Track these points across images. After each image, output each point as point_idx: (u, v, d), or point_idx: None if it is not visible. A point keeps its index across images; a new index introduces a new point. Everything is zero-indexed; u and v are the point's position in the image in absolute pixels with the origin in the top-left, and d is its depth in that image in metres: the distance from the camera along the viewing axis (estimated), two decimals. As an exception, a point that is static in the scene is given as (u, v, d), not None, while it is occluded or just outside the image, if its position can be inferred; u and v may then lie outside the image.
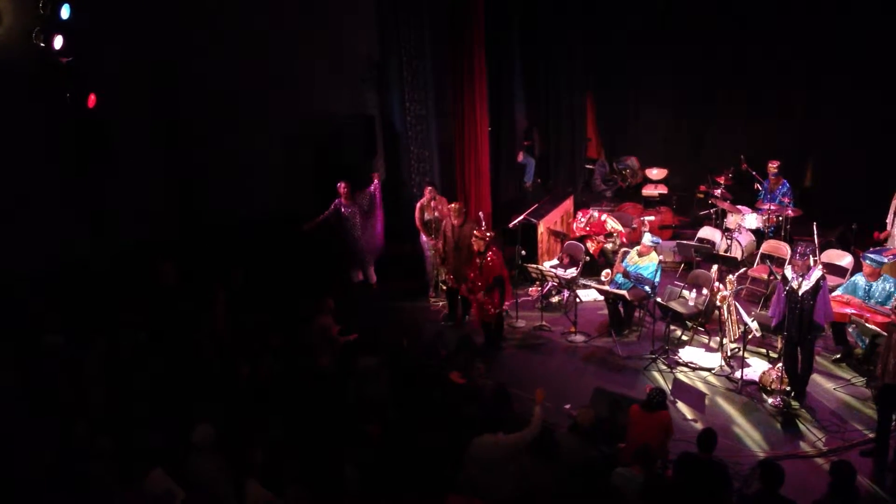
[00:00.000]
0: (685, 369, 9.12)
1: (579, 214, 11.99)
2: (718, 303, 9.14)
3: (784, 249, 10.56)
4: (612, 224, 11.53)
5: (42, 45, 8.09)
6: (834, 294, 8.79)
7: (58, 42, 8.16)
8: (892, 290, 8.49)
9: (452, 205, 10.16)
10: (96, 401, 7.28)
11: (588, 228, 11.62)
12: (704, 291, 9.67)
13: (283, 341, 8.66)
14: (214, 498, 5.90)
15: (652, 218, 12.56)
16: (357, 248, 11.21)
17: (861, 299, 8.65)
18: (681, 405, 8.32)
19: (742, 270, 10.53)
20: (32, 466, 6.28)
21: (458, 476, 5.86)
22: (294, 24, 11.07)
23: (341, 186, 10.93)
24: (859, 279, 8.84)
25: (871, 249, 9.38)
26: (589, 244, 11.48)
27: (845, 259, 10.30)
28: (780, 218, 11.25)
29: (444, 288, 10.68)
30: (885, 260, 8.83)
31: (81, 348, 7.61)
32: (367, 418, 7.04)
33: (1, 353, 7.44)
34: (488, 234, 9.51)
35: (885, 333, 7.44)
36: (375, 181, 11.18)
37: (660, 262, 9.75)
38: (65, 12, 8.18)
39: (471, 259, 9.67)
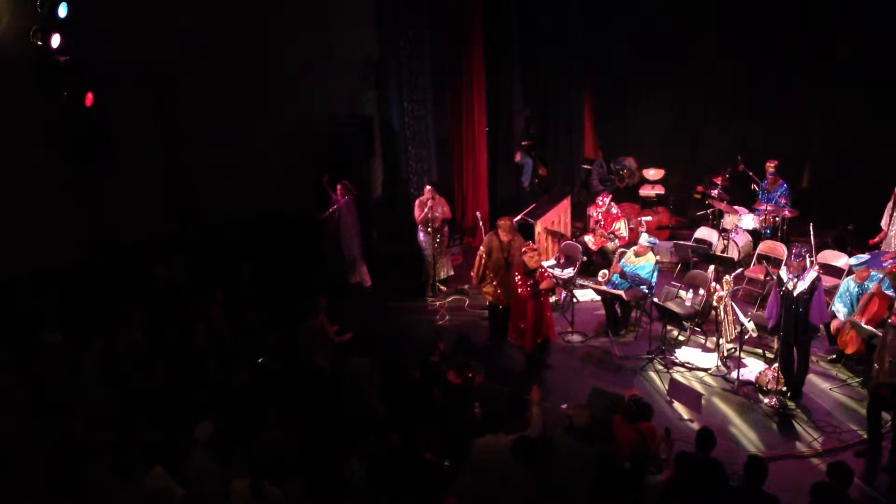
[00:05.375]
0: (682, 369, 9.14)
1: (601, 197, 11.67)
2: (715, 303, 9.17)
3: (780, 250, 10.58)
4: (621, 227, 11.47)
5: (39, 43, 8.09)
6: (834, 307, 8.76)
7: (55, 41, 8.16)
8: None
9: (501, 221, 9.61)
10: (94, 399, 7.28)
11: (601, 216, 11.47)
12: (701, 292, 9.69)
13: (280, 340, 8.66)
14: (212, 495, 5.91)
15: (649, 218, 12.58)
16: (343, 250, 11.23)
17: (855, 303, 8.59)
18: (677, 405, 8.34)
19: (739, 271, 10.54)
20: (31, 466, 6.28)
21: (456, 480, 5.82)
22: (292, 23, 11.06)
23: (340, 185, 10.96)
24: (850, 284, 8.75)
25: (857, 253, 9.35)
26: (591, 238, 11.48)
27: (841, 260, 10.28)
28: (777, 218, 11.27)
29: (489, 301, 9.96)
30: (865, 259, 8.82)
31: (79, 347, 7.61)
32: (361, 419, 7.03)
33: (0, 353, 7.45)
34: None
35: (880, 334, 7.47)
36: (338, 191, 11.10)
37: (657, 262, 9.79)
38: (62, 11, 8.18)
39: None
